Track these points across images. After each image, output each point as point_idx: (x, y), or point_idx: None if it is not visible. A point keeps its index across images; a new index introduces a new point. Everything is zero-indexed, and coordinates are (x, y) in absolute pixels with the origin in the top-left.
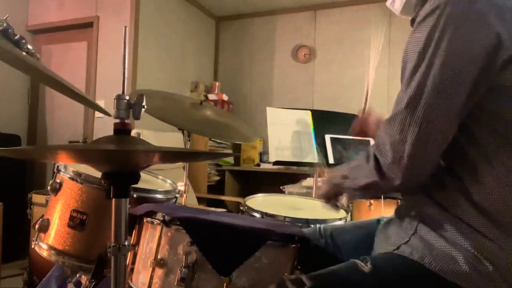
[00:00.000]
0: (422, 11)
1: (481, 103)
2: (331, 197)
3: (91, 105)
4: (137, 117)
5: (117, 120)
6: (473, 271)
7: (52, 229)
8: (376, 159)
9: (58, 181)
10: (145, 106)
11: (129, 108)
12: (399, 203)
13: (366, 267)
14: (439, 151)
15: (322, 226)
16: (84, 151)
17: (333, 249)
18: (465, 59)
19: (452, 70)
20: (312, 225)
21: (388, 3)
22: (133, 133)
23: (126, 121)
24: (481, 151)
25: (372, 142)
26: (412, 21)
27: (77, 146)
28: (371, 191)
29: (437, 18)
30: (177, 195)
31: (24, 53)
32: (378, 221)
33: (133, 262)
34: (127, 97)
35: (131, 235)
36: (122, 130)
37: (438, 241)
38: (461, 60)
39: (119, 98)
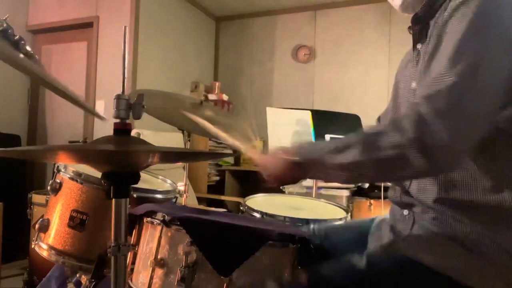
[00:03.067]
0: None
1: None
2: (287, 179)
3: (87, 110)
4: (137, 117)
5: (117, 120)
6: (467, 265)
7: (52, 229)
8: (419, 129)
9: (58, 181)
10: (145, 106)
11: (129, 108)
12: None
13: (361, 263)
14: (482, 132)
15: (316, 226)
16: (84, 151)
17: (327, 249)
18: None
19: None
20: (311, 224)
21: None
22: (133, 133)
23: (126, 121)
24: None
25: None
26: (413, 19)
27: (77, 146)
28: (383, 172)
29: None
30: (177, 195)
31: (22, 55)
32: (372, 220)
33: (133, 262)
34: (127, 97)
35: (131, 235)
36: (122, 130)
37: (432, 237)
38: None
39: (119, 98)
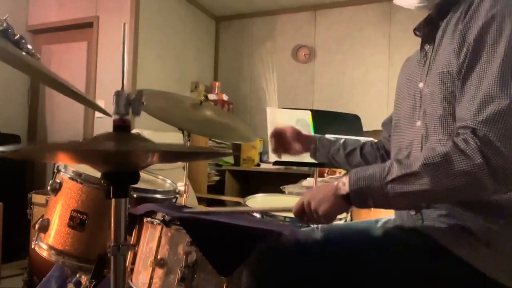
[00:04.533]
0: None
1: None
2: (340, 212)
3: (91, 105)
4: (136, 113)
5: (117, 116)
6: (478, 253)
7: (52, 229)
8: (485, 153)
9: (58, 181)
10: (144, 103)
11: (128, 104)
12: None
13: (378, 231)
14: None
15: (319, 226)
16: (83, 151)
17: (330, 249)
18: None
19: None
20: (311, 225)
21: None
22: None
23: (125, 117)
24: None
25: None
26: (426, 20)
27: (76, 144)
28: (453, 197)
29: None
30: (177, 195)
31: (24, 53)
32: (377, 222)
33: (133, 262)
34: (127, 93)
35: (131, 235)
36: (121, 126)
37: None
38: None
39: (118, 94)
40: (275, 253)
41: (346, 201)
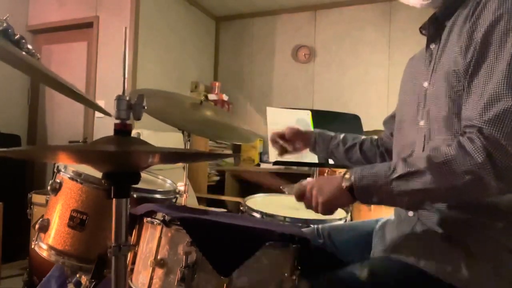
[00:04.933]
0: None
1: None
2: (340, 205)
3: (91, 105)
4: (137, 117)
5: (118, 121)
6: (470, 270)
7: (52, 229)
8: (490, 152)
9: (58, 181)
10: (146, 107)
11: (129, 108)
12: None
13: (363, 274)
14: None
15: (320, 226)
16: (84, 152)
17: (331, 249)
18: None
19: None
20: (311, 225)
21: None
22: (133, 133)
23: (126, 121)
24: None
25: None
26: (431, 19)
27: (77, 147)
28: (456, 196)
29: None
30: (177, 195)
31: (24, 53)
32: (377, 221)
33: (133, 262)
34: (128, 98)
35: (131, 235)
36: (122, 130)
37: (436, 238)
38: None
39: (119, 98)
40: None
41: (350, 196)
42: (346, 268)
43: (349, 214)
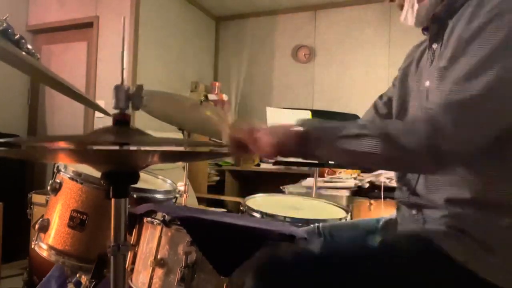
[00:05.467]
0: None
1: None
2: (286, 151)
3: (91, 105)
4: (136, 107)
5: (116, 111)
6: (477, 261)
7: (52, 229)
8: (435, 136)
9: (58, 181)
10: (144, 97)
11: (128, 99)
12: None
13: (376, 239)
14: (492, 138)
15: (321, 224)
16: (83, 150)
17: (332, 247)
18: None
19: None
20: (311, 225)
21: (402, 19)
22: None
23: (125, 112)
24: None
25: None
26: (433, 18)
27: (77, 137)
28: (392, 167)
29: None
30: (177, 195)
31: (24, 53)
32: (378, 221)
33: (133, 262)
34: (126, 87)
35: (131, 235)
36: (121, 121)
37: (444, 241)
38: None
39: (118, 88)
40: (274, 263)
41: (300, 143)
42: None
43: (349, 214)
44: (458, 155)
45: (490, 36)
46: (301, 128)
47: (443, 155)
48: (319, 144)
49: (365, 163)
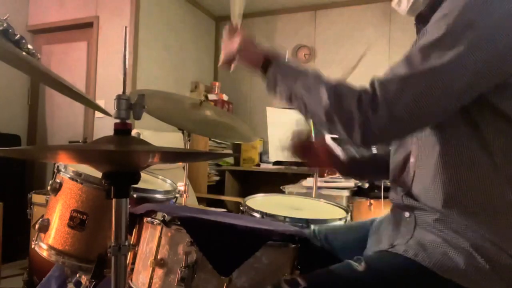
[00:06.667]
0: None
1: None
2: (248, 57)
3: (91, 105)
4: (137, 117)
5: (118, 120)
6: (468, 267)
7: (52, 229)
8: (368, 108)
9: (58, 181)
10: (146, 106)
11: (129, 108)
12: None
13: (360, 266)
14: (431, 118)
15: (316, 227)
16: (84, 151)
17: (328, 251)
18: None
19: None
20: (312, 226)
21: (393, 4)
22: (133, 133)
23: (126, 121)
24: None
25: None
26: (418, 18)
27: (77, 147)
28: (325, 122)
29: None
30: (177, 195)
31: (24, 53)
32: (372, 222)
33: (133, 262)
34: (128, 97)
35: (131, 235)
36: (122, 130)
37: (434, 240)
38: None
39: (119, 98)
40: None
41: (262, 61)
42: (343, 262)
43: (349, 214)
44: (383, 135)
45: (453, 23)
46: (267, 54)
47: (370, 130)
48: (276, 71)
49: (301, 107)
